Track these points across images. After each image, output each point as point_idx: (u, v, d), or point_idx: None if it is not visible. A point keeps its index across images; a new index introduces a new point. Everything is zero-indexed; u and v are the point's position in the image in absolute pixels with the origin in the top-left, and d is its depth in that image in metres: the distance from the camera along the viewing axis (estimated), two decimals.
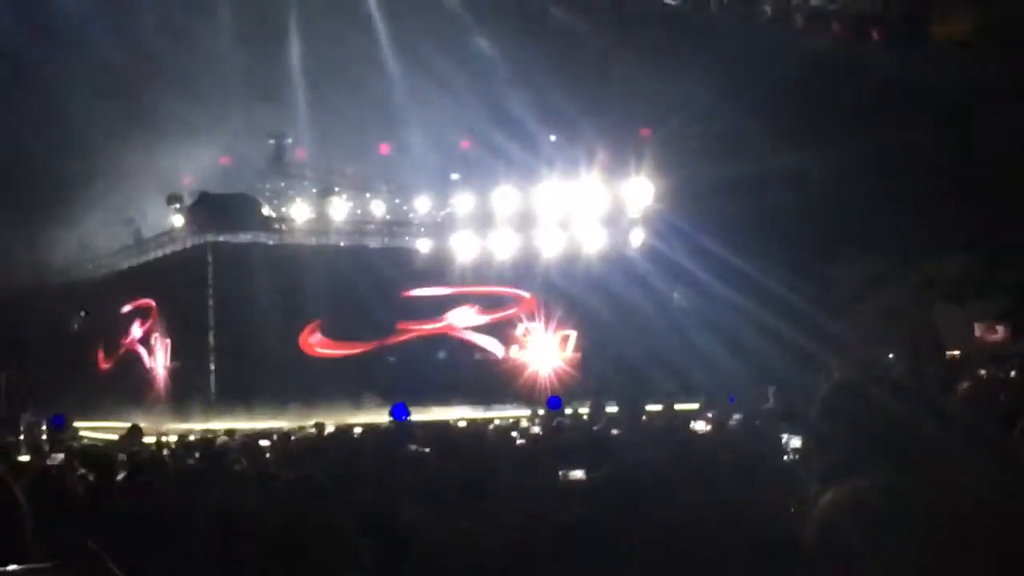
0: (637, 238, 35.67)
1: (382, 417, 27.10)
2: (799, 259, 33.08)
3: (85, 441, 23.87)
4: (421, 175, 35.68)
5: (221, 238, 33.02)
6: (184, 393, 31.52)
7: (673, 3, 33.47)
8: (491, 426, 21.10)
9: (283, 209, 34.11)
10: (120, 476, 11.02)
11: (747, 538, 5.59)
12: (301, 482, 10.25)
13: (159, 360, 34.37)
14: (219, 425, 25.23)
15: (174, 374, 33.55)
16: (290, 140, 34.42)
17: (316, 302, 32.30)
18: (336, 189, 34.65)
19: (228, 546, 7.51)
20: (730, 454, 9.82)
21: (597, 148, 35.22)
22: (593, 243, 35.55)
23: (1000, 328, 33.06)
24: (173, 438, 20.72)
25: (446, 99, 32.35)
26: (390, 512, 9.21)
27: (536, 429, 18.34)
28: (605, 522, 7.88)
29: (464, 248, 35.26)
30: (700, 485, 7.99)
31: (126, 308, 36.04)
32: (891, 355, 31.50)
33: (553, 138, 35.29)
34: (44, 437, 26.36)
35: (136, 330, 35.77)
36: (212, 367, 32.23)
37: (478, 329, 35.52)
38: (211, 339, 32.51)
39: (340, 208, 34.17)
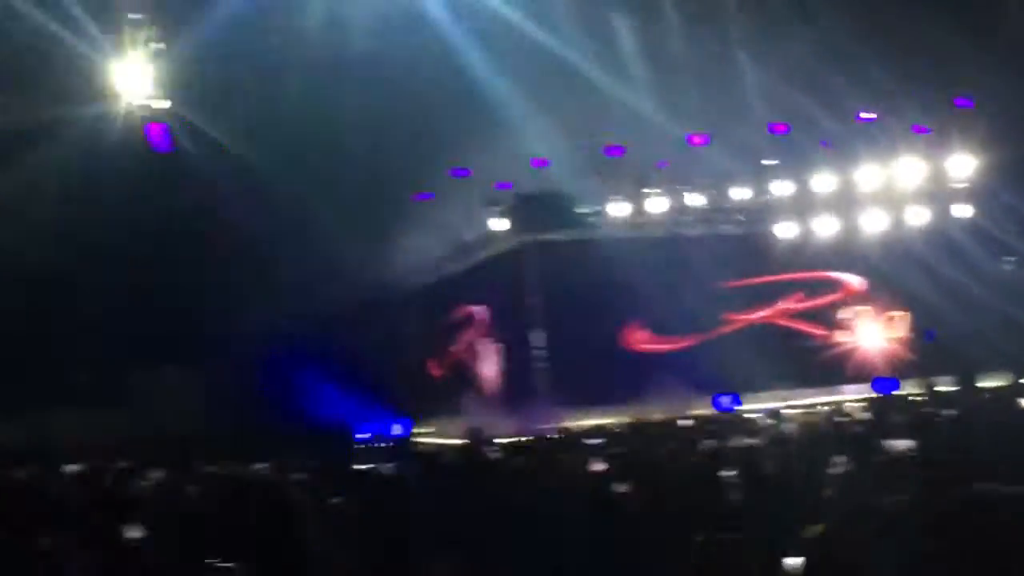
0: (962, 214, 34.61)
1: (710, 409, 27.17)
2: None
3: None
4: (736, 164, 35.29)
5: (540, 237, 33.35)
6: (517, 396, 31.92)
7: None
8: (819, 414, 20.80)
9: (598, 208, 34.26)
10: None
11: None
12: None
13: (488, 366, 34.93)
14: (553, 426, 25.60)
15: (504, 378, 34.04)
16: (604, 138, 34.49)
17: (638, 296, 32.32)
18: (651, 185, 34.60)
19: None
20: None
21: (917, 123, 34.38)
22: (917, 221, 34.67)
23: None
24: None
25: (758, 82, 31.95)
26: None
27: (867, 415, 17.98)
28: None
29: (785, 234, 34.86)
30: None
31: (454, 316, 36.76)
32: None
33: (871, 115, 34.42)
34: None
35: (464, 337, 36.44)
36: (539, 368, 32.60)
37: (804, 316, 35.01)
38: (537, 339, 32.85)
39: (657, 203, 34.14)
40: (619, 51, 31.14)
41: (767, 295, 34.46)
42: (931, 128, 34.66)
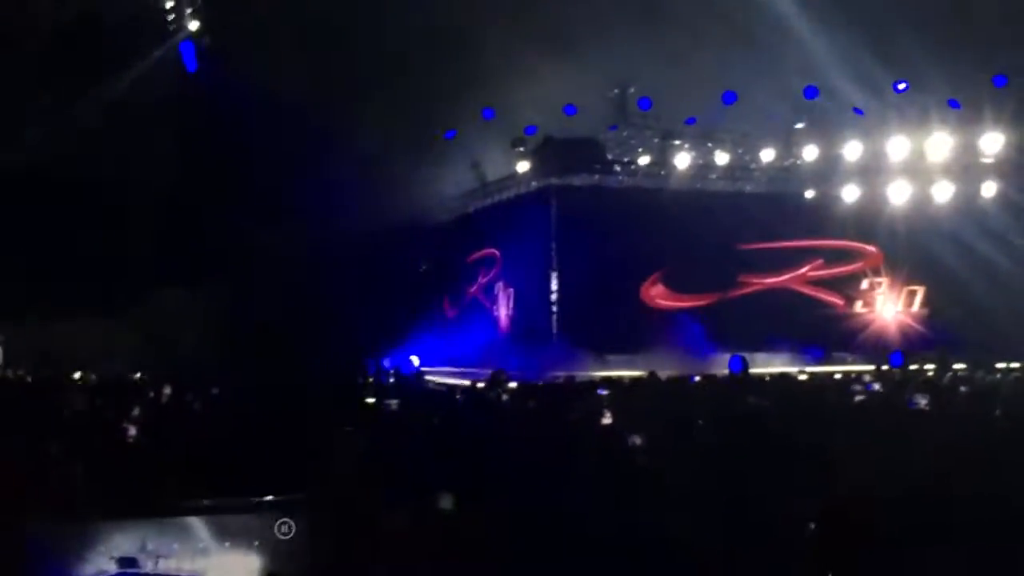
0: (990, 190, 34.43)
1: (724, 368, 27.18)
2: None
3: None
4: (765, 125, 35.15)
5: (565, 180, 33.23)
6: (530, 341, 31.97)
7: None
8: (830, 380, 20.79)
9: (625, 159, 34.13)
10: None
11: None
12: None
13: (503, 308, 34.98)
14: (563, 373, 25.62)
15: (519, 321, 34.07)
16: (632, 90, 34.31)
17: (658, 249, 32.39)
18: (678, 141, 34.47)
19: None
20: None
21: (949, 96, 34.17)
22: (943, 195, 34.52)
23: None
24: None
25: (790, 46, 31.73)
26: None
27: (878, 386, 17.94)
28: None
29: (810, 199, 34.74)
30: None
31: (472, 257, 36.78)
32: None
33: (903, 86, 34.19)
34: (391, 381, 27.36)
35: (481, 278, 36.46)
36: (554, 313, 32.61)
37: (822, 283, 34.93)
38: (554, 284, 32.85)
39: (683, 158, 34.02)
40: (658, 6, 30.94)
41: (787, 260, 34.32)
42: (962, 104, 34.40)
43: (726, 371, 25.29)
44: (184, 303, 31.18)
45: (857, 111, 34.48)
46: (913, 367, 26.46)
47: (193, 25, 28.59)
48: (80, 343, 28.02)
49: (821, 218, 34.23)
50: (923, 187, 34.75)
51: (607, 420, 13.41)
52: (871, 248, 35.02)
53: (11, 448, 8.99)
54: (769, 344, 31.82)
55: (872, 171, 34.66)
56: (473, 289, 36.78)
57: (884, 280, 35.04)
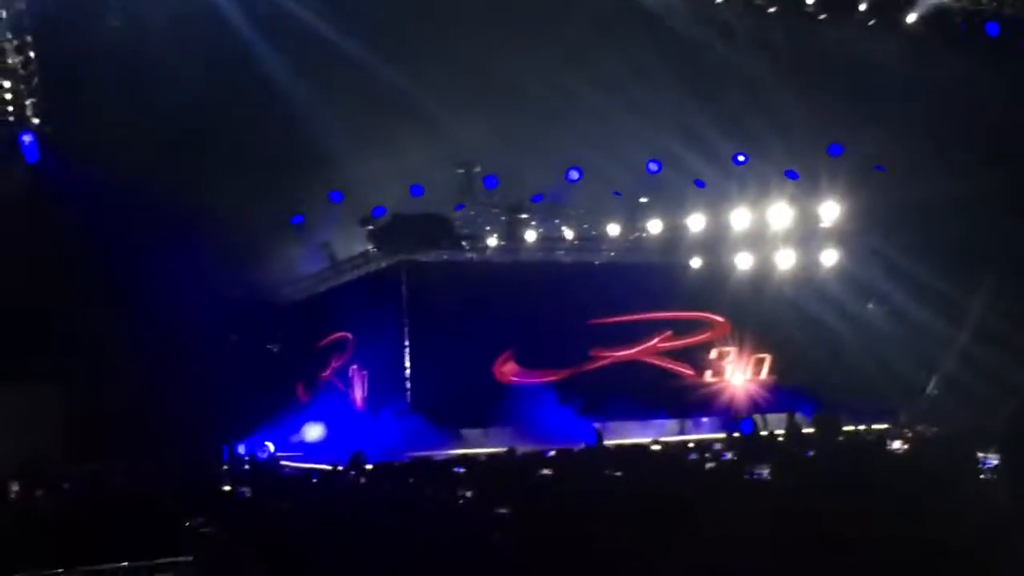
0: (829, 258, 35.22)
1: (577, 442, 27.38)
2: (997, 279, 32.50)
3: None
4: (610, 200, 35.67)
5: (414, 257, 33.27)
6: (384, 422, 31.85)
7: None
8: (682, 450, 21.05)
9: (473, 239, 34.28)
10: None
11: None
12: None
13: (358, 391, 34.80)
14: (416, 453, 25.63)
15: (372, 403, 33.90)
16: (478, 168, 34.65)
17: (509, 326, 32.45)
18: (525, 215, 34.76)
19: None
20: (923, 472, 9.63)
21: (787, 167, 35.00)
22: (785, 264, 35.23)
23: None
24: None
25: (634, 122, 32.28)
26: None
27: (730, 454, 18.22)
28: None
29: (654, 271, 35.13)
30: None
31: (324, 341, 36.58)
32: None
33: (742, 158, 34.98)
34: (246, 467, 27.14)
35: (334, 362, 36.25)
36: (408, 391, 32.51)
37: (672, 354, 35.30)
38: (407, 363, 32.78)
39: (530, 234, 34.30)
40: (502, 86, 31.26)
41: (637, 332, 34.62)
42: (800, 174, 35.26)
43: (582, 444, 25.57)
44: (33, 398, 30.55)
45: (699, 183, 35.13)
46: (764, 433, 26.97)
47: (33, 115, 28.27)
48: None
49: (668, 290, 34.62)
50: (766, 256, 35.43)
51: (468, 494, 13.49)
52: (718, 318, 35.50)
53: None
54: (622, 416, 32.19)
55: (716, 242, 35.24)
56: (327, 373, 36.53)
57: (732, 349, 35.52)
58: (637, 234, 35.62)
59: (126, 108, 28.44)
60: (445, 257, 33.49)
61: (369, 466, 20.70)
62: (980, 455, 10.31)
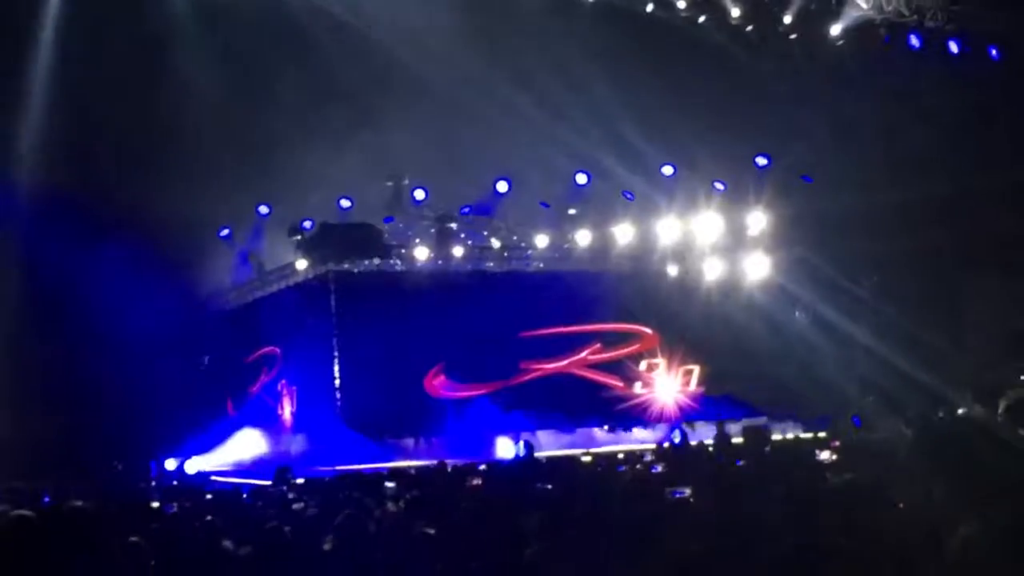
0: (757, 268, 35.45)
1: (508, 454, 27.40)
2: (924, 285, 32.87)
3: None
4: (539, 211, 35.70)
5: (343, 267, 33.10)
6: (313, 436, 31.67)
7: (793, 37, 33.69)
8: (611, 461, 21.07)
9: (403, 250, 34.11)
10: None
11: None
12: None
13: (286, 407, 34.53)
14: (346, 468, 25.51)
15: (300, 418, 33.67)
16: (407, 180, 34.55)
17: (439, 338, 32.30)
18: (454, 227, 34.69)
19: None
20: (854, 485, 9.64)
21: (715, 177, 35.21)
22: (713, 275, 35.42)
23: None
24: None
25: (562, 132, 32.36)
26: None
27: (660, 467, 18.25)
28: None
29: (583, 283, 35.11)
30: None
31: (252, 357, 36.25)
32: None
33: (670, 169, 35.11)
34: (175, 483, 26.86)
35: (263, 377, 35.92)
36: (338, 404, 32.32)
37: (601, 366, 35.30)
38: (336, 375, 32.58)
39: (459, 248, 34.20)
40: (431, 96, 31.27)
41: (566, 345, 34.60)
42: (728, 184, 35.50)
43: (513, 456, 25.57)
44: None
45: (627, 195, 35.25)
46: (693, 443, 27.07)
47: None
48: None
49: (597, 301, 34.60)
50: (694, 267, 35.62)
51: (393, 509, 13.44)
52: (647, 330, 35.54)
53: None
54: (553, 428, 32.27)
55: (644, 253, 35.36)
56: (255, 388, 36.19)
57: (661, 360, 35.56)
58: (566, 245, 35.62)
59: (47, 117, 28.21)
60: (375, 266, 33.26)
61: (299, 480, 20.57)
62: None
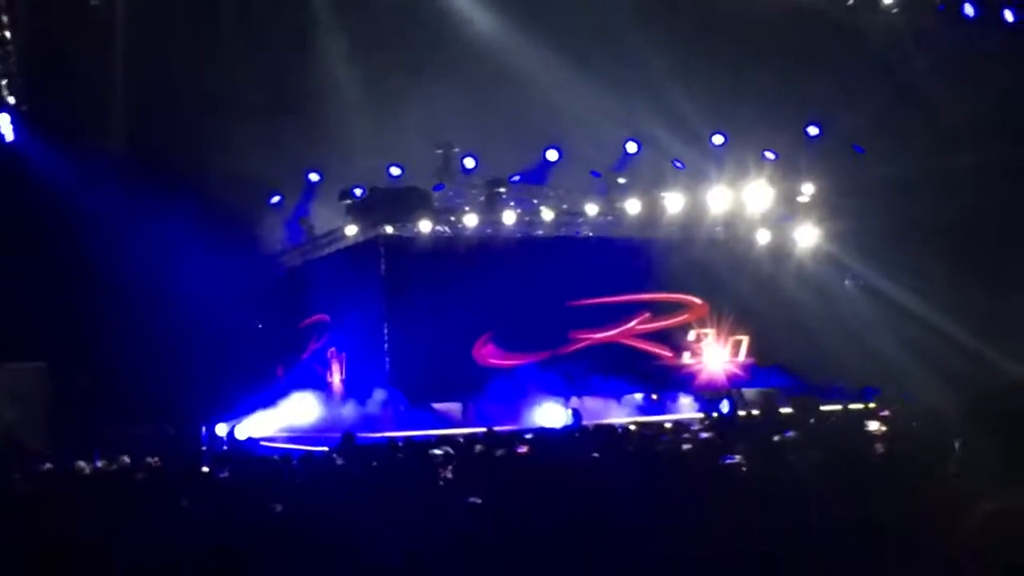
0: (807, 238, 35.34)
1: (557, 423, 27.46)
2: (974, 253, 32.64)
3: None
4: (589, 179, 35.63)
5: (393, 231, 33.16)
6: (364, 402, 31.80)
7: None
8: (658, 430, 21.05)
9: (451, 218, 34.10)
10: None
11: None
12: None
13: (336, 374, 34.67)
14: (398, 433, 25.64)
15: (352, 383, 33.79)
16: (456, 149, 34.50)
17: (488, 307, 32.30)
18: (504, 192, 34.64)
19: None
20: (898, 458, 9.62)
21: (766, 147, 35.06)
22: (762, 244, 35.32)
23: None
24: None
25: (613, 101, 32.30)
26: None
27: (707, 435, 18.22)
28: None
29: (633, 251, 35.02)
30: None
31: (303, 323, 36.37)
32: None
33: (720, 138, 34.98)
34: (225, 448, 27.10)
35: (312, 344, 36.07)
36: (387, 372, 32.40)
37: (650, 336, 35.25)
38: (386, 342, 32.72)
39: (509, 215, 34.16)
40: (479, 61, 31.24)
41: (615, 314, 34.55)
42: (779, 154, 35.35)
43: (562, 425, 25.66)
44: (16, 377, 30.40)
45: (677, 163, 35.15)
46: (742, 413, 27.06)
47: (9, 93, 28.20)
48: None
49: (647, 271, 34.53)
50: (744, 237, 35.51)
51: (448, 475, 13.53)
52: (696, 300, 35.45)
53: None
54: (601, 396, 32.30)
55: (694, 222, 35.25)
56: (305, 355, 36.36)
57: (710, 330, 35.49)
58: (615, 215, 35.51)
59: (106, 87, 28.40)
60: (425, 231, 33.18)
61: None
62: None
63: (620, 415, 30.70)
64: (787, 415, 23.62)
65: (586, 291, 33.69)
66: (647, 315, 34.89)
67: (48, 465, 17.38)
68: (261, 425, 31.13)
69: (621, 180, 35.76)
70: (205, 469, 16.43)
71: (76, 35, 28.24)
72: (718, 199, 34.80)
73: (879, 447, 12.17)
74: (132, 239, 28.83)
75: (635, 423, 25.48)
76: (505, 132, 32.82)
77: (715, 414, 26.63)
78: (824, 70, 32.29)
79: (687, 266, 34.62)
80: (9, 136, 28.90)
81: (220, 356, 31.37)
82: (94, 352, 29.97)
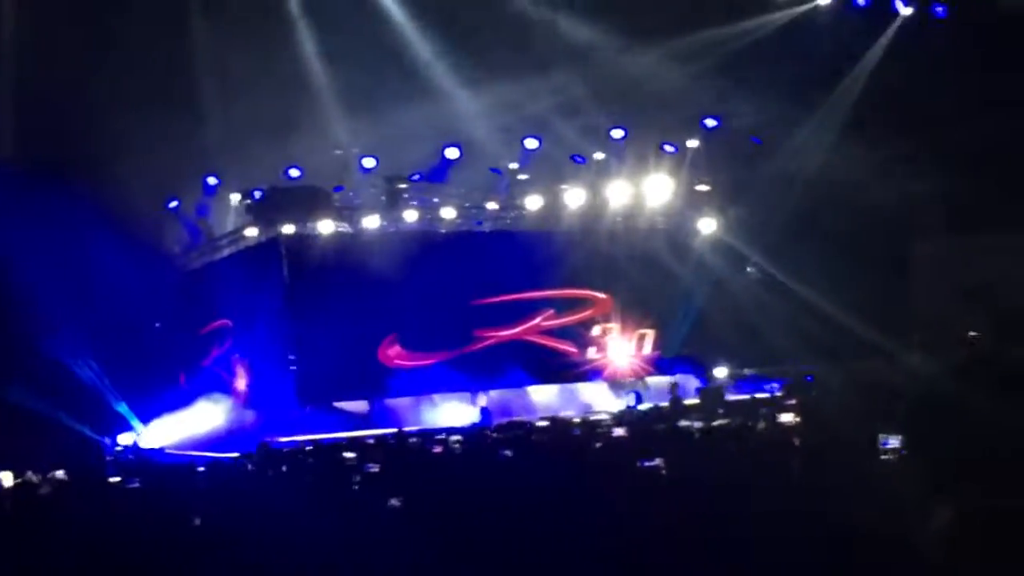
0: (707, 230, 35.60)
1: (466, 422, 27.45)
2: (873, 242, 33.08)
3: None
4: (490, 177, 35.60)
5: (293, 230, 32.59)
6: (267, 407, 31.59)
7: None
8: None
9: (352, 218, 33.83)
10: None
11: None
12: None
13: (240, 380, 34.27)
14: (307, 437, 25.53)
15: (254, 388, 33.47)
16: (356, 150, 34.29)
17: (393, 303, 32.03)
18: (404, 188, 34.49)
19: None
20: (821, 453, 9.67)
21: (665, 140, 35.27)
22: (663, 237, 35.45)
23: None
24: None
25: (513, 97, 32.37)
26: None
27: (619, 431, 18.30)
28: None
29: (535, 245, 34.93)
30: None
31: (204, 330, 35.88)
32: (973, 334, 31.28)
33: (620, 133, 35.12)
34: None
35: (215, 351, 35.59)
36: (292, 375, 32.13)
37: (555, 332, 35.21)
38: (290, 344, 32.34)
39: (410, 214, 34.00)
40: (372, 62, 31.17)
41: (519, 312, 34.48)
42: (678, 147, 35.61)
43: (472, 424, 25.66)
44: None
45: (577, 158, 35.23)
46: (647, 406, 27.24)
47: None
48: None
49: (549, 267, 34.44)
50: (645, 230, 35.61)
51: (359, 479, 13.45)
52: (600, 295, 35.41)
53: None
54: (508, 394, 32.35)
55: (595, 216, 35.28)
56: (207, 362, 35.90)
57: (615, 325, 35.51)
58: (516, 211, 35.47)
59: None
60: (327, 229, 32.82)
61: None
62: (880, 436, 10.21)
63: (529, 412, 30.71)
64: (694, 406, 23.82)
65: (490, 289, 33.53)
66: (551, 312, 34.80)
67: None
68: (166, 433, 30.79)
69: (522, 176, 35.74)
70: (114, 479, 16.18)
71: None
72: (618, 193, 34.88)
73: (794, 439, 12.27)
74: (21, 243, 28.36)
75: (545, 420, 25.52)
76: (404, 133, 32.76)
77: (625, 407, 26.81)
78: (721, 62, 32.58)
79: (590, 261, 34.59)
80: None
81: (120, 364, 30.97)
82: None
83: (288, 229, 32.35)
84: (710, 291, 34.64)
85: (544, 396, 33.86)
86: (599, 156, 35.47)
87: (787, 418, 16.19)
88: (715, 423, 17.27)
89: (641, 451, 12.61)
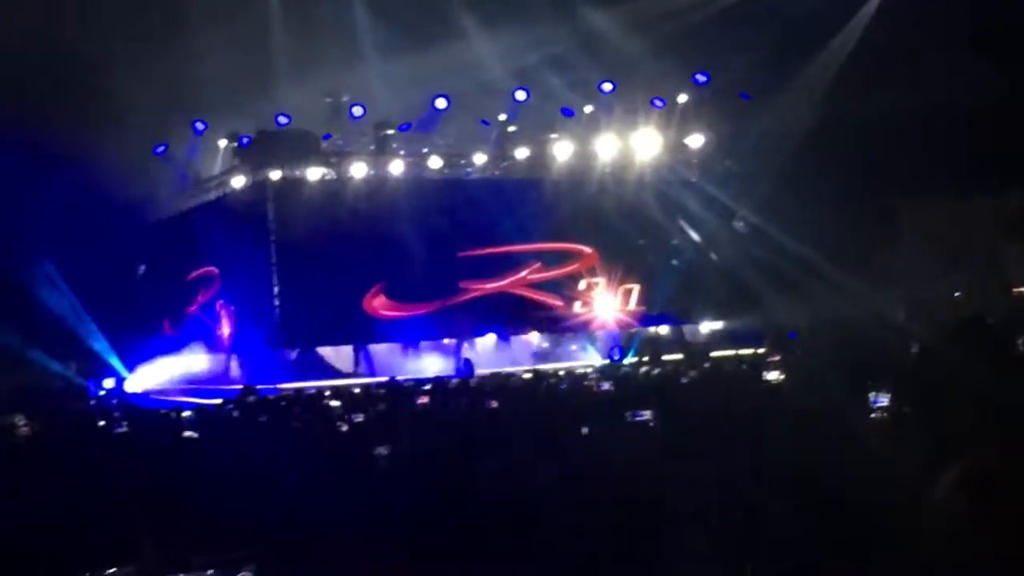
0: (695, 186, 35.57)
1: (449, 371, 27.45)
2: (861, 200, 33.07)
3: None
4: (478, 128, 35.47)
5: (281, 174, 32.60)
6: (252, 354, 31.58)
7: None
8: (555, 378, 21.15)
9: (340, 165, 33.68)
10: None
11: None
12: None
13: (224, 327, 34.18)
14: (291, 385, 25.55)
15: (239, 337, 33.42)
16: (345, 98, 34.13)
17: (379, 252, 31.91)
18: (392, 135, 34.37)
19: None
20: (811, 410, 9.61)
21: (654, 95, 35.18)
22: (651, 193, 35.41)
23: None
24: None
25: (502, 48, 32.26)
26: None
27: (607, 385, 18.30)
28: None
29: (522, 194, 34.84)
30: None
31: (190, 276, 35.73)
32: (957, 293, 31.39)
33: (609, 86, 35.00)
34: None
35: (200, 297, 35.46)
36: (277, 324, 32.05)
37: (541, 286, 35.22)
38: (276, 292, 32.25)
39: (398, 164, 33.90)
40: (368, 12, 31.06)
41: (506, 264, 34.46)
42: (667, 101, 35.54)
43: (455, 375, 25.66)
44: None
45: (566, 111, 35.14)
46: (631, 360, 27.27)
47: None
48: None
49: (537, 220, 34.41)
50: (633, 184, 35.57)
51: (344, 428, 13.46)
52: (586, 249, 35.43)
53: None
54: (492, 346, 32.38)
55: (583, 169, 35.24)
56: (193, 308, 35.78)
57: (601, 280, 35.52)
58: (505, 163, 35.43)
59: None
60: (314, 174, 32.66)
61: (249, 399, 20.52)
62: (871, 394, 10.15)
63: (513, 364, 30.73)
64: (677, 362, 23.85)
65: (477, 240, 33.50)
66: (538, 265, 34.82)
67: None
68: (150, 378, 30.81)
69: (511, 128, 35.64)
70: (101, 423, 16.17)
71: None
72: (607, 146, 34.84)
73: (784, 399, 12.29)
74: (13, 195, 28.30)
75: (529, 371, 25.52)
76: (394, 82, 32.64)
77: (607, 360, 26.87)
78: (711, 17, 32.47)
79: (577, 214, 34.61)
80: None
81: (105, 309, 30.95)
82: None
83: (275, 175, 32.23)
84: (697, 246, 34.67)
85: (528, 349, 33.96)
86: (588, 109, 35.30)
87: (773, 375, 16.19)
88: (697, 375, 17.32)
89: (626, 402, 12.64)
